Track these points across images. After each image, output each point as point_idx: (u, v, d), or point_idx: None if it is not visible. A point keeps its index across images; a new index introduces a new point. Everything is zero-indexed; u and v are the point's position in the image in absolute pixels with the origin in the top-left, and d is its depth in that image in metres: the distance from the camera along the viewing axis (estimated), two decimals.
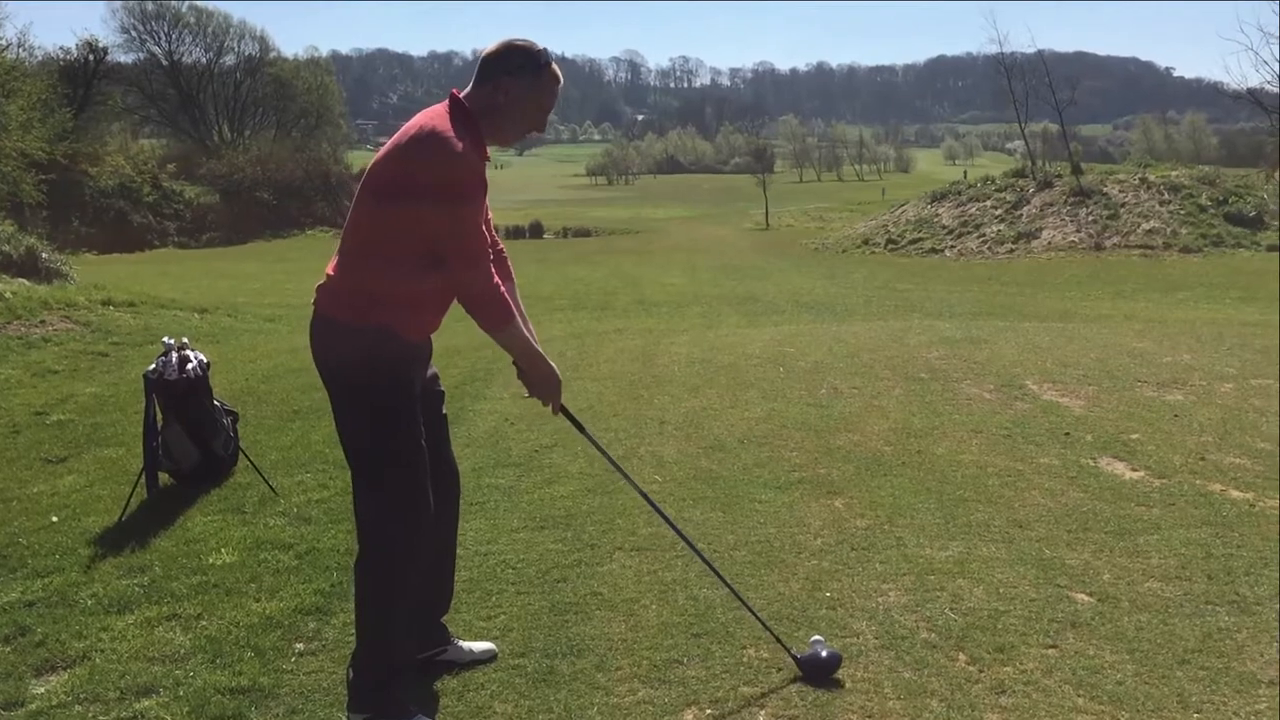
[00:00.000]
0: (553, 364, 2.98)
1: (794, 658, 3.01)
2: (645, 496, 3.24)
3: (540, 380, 2.98)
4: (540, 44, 2.79)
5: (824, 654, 2.98)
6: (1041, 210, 30.93)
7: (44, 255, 15.80)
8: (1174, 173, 32.19)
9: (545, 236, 55.50)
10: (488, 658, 3.17)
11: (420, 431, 2.86)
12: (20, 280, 13.84)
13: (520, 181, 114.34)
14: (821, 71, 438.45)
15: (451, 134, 2.66)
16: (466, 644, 3.20)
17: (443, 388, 3.14)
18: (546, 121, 2.88)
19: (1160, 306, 15.53)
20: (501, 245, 3.09)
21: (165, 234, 48.82)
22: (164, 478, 5.15)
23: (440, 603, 3.21)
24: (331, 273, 2.85)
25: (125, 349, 10.88)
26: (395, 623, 2.88)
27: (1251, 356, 8.14)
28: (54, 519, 4.80)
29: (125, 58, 61.55)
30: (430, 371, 3.04)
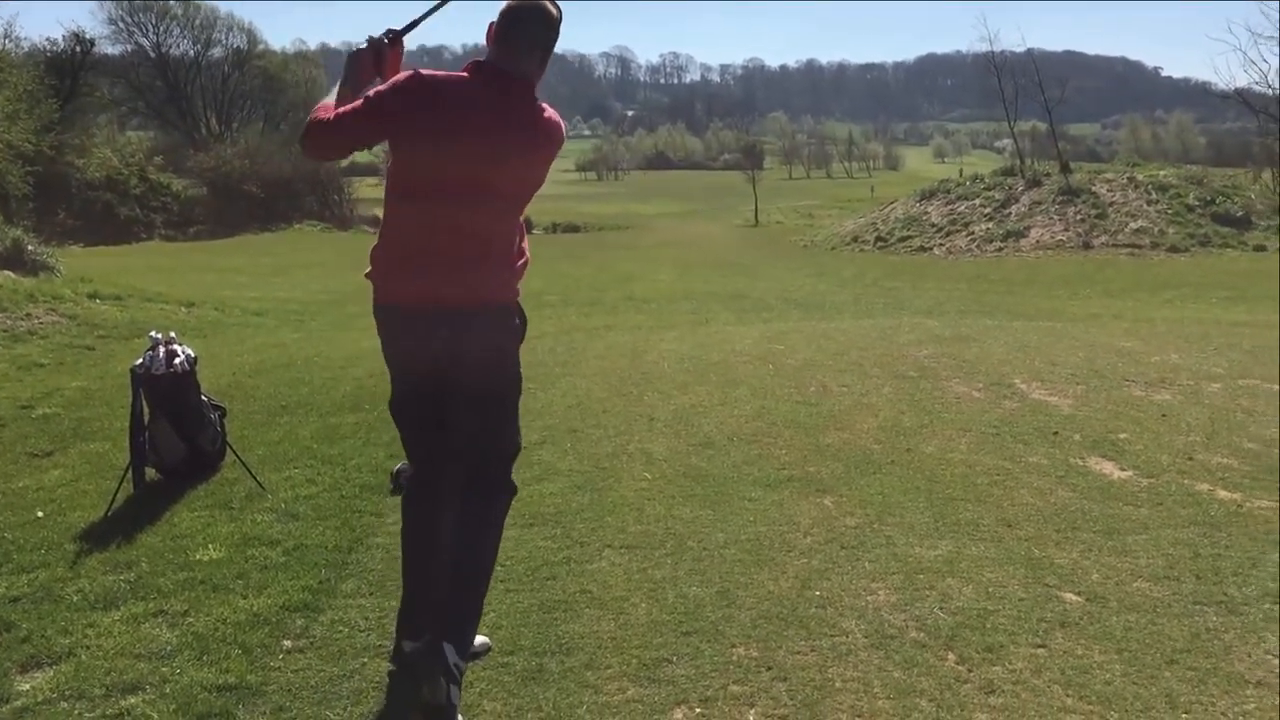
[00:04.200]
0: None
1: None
2: None
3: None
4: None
5: None
6: (1030, 209, 30.96)
7: (30, 247, 15.65)
8: (1162, 172, 32.25)
9: (534, 232, 55.36)
10: (482, 650, 3.17)
11: None
12: (6, 273, 13.73)
13: None
14: (811, 68, 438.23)
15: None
16: None
17: None
18: None
19: (1148, 306, 15.57)
20: None
21: (152, 226, 48.48)
22: (150, 473, 5.13)
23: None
24: (481, 258, 2.84)
25: (111, 343, 10.82)
26: None
27: (1239, 356, 8.18)
28: (39, 514, 4.77)
29: (112, 50, 61.14)
30: None
